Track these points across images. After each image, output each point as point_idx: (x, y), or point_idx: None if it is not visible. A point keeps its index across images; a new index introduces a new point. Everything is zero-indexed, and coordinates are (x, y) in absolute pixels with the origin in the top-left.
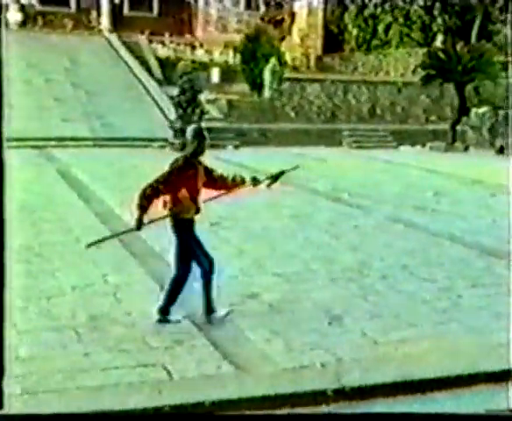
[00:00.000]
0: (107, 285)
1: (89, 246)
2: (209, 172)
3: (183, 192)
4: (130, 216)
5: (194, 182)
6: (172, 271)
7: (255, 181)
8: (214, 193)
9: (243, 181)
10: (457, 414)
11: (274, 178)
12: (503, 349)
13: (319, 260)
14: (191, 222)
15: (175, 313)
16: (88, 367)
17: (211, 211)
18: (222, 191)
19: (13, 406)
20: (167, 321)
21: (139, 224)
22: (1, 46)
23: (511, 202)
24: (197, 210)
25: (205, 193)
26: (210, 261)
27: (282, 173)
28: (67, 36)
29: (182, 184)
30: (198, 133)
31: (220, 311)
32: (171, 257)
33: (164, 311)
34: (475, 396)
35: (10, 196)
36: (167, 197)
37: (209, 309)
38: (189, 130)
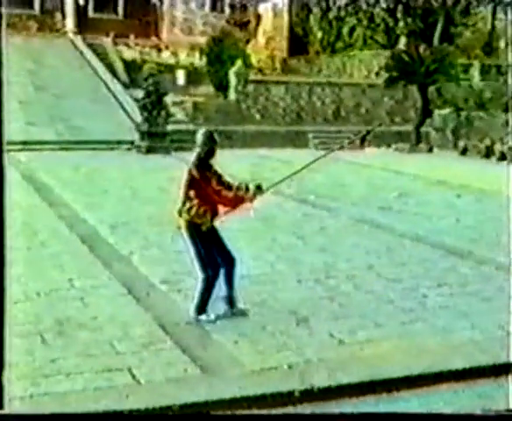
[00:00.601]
0: (73, 289)
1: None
2: (219, 176)
3: (195, 196)
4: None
5: (206, 186)
6: (198, 272)
7: (259, 190)
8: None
9: (247, 189)
10: (457, 414)
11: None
12: (467, 348)
13: (286, 261)
14: (211, 225)
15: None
16: (54, 372)
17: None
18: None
19: None
20: (199, 321)
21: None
22: (1, 49)
23: (511, 209)
24: (214, 213)
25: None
26: (232, 256)
27: (283, 180)
28: (31, 38)
29: (196, 188)
30: (209, 138)
31: (239, 306)
32: (192, 258)
33: (199, 311)
34: (440, 394)
35: None
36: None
37: (231, 302)
38: (200, 134)
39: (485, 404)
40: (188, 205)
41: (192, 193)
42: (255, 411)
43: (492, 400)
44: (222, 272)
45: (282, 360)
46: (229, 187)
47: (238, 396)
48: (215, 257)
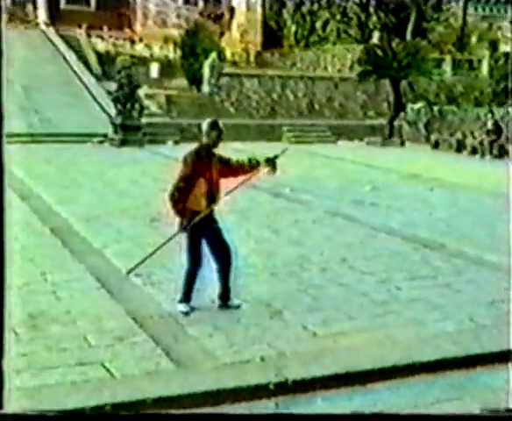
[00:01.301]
0: (46, 283)
1: (130, 272)
2: (224, 162)
3: (199, 184)
4: (172, 219)
5: (209, 174)
6: (183, 262)
7: (270, 163)
8: (233, 183)
9: (258, 164)
10: (457, 414)
11: (272, 162)
12: (439, 339)
13: (259, 254)
14: (210, 214)
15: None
16: (27, 366)
17: (151, 207)
18: (241, 178)
19: None
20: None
21: (185, 227)
22: (1, 46)
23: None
24: (211, 201)
25: (225, 184)
26: (227, 251)
27: (276, 157)
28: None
29: (198, 176)
30: (214, 126)
31: (234, 301)
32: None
33: (180, 300)
34: (413, 386)
35: None
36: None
37: (226, 296)
38: (206, 123)
39: (456, 396)
40: (184, 193)
41: (191, 181)
42: (229, 405)
43: (463, 391)
44: (216, 268)
45: (256, 353)
46: (240, 166)
47: (212, 389)
48: (199, 251)
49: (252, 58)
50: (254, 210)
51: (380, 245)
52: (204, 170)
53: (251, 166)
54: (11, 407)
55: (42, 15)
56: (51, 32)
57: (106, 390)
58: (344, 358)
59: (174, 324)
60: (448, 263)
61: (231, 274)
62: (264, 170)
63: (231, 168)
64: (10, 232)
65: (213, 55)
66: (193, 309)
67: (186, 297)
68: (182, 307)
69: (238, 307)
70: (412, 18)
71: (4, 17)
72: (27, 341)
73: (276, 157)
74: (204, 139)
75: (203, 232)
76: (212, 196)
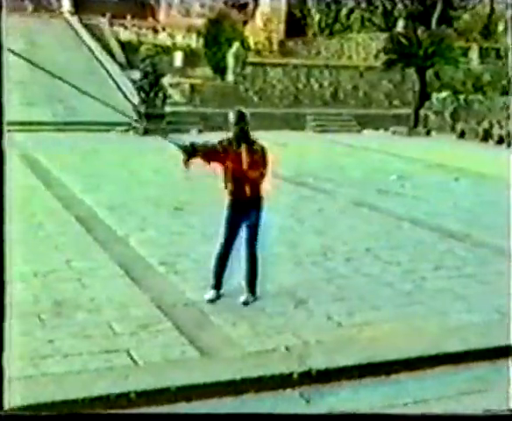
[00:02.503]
0: (71, 270)
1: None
2: (260, 153)
3: (226, 171)
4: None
5: (236, 163)
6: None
7: None
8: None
9: None
10: (457, 414)
11: None
12: (464, 330)
13: (283, 244)
14: (236, 202)
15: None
16: (52, 353)
17: (175, 196)
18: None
19: None
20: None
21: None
22: (1, 37)
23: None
24: (244, 191)
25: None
26: (252, 250)
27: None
28: (26, 18)
29: (226, 163)
30: (241, 116)
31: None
32: None
33: (214, 286)
34: (438, 376)
35: None
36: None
37: (251, 287)
38: (232, 113)
39: (481, 387)
40: (251, 179)
41: (257, 167)
42: (252, 395)
43: (488, 383)
44: (244, 256)
45: (280, 342)
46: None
47: (236, 378)
48: (234, 234)
49: (275, 47)
50: (278, 198)
51: (405, 235)
52: (232, 159)
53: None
54: (25, 394)
55: (66, 4)
56: (75, 21)
57: (130, 378)
58: (368, 348)
59: (198, 312)
60: (473, 254)
61: (258, 264)
62: None
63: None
64: (35, 220)
65: (236, 44)
66: (219, 297)
67: (216, 285)
68: (209, 295)
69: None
70: (438, 6)
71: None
72: (52, 328)
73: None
74: (233, 129)
75: (243, 217)
76: (244, 187)
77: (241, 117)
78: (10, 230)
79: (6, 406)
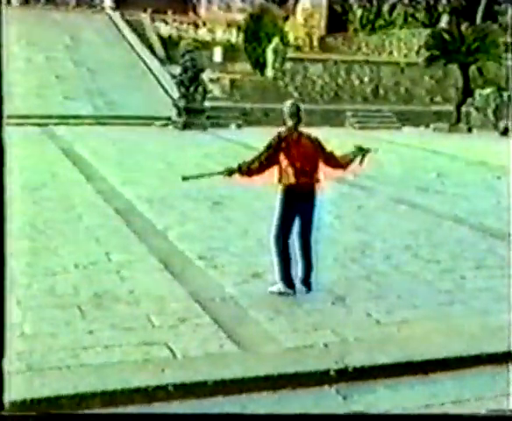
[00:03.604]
0: (110, 263)
1: (185, 179)
2: (322, 145)
3: (283, 161)
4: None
5: (294, 151)
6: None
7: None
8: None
9: (351, 160)
10: (457, 414)
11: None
12: (505, 331)
13: (322, 240)
14: (292, 193)
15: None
16: (92, 344)
17: (214, 190)
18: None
19: (16, 383)
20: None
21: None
22: (1, 28)
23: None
24: (302, 179)
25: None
26: (309, 233)
27: (367, 150)
28: (69, 13)
29: (283, 154)
30: (297, 109)
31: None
32: None
33: (283, 280)
34: (478, 377)
35: (12, 173)
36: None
37: (306, 281)
38: (288, 106)
39: None
40: (305, 170)
41: (310, 159)
42: (289, 390)
43: None
44: (298, 248)
45: (318, 339)
46: (334, 158)
47: (273, 373)
48: (286, 229)
49: (315, 42)
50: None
51: (446, 233)
52: (288, 149)
53: (346, 161)
54: (64, 383)
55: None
56: (116, 16)
57: (168, 371)
58: (407, 346)
59: (237, 307)
60: None
61: (312, 257)
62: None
63: (326, 156)
64: (74, 213)
65: (276, 39)
66: (294, 292)
67: (284, 277)
68: (275, 288)
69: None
70: (483, 1)
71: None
72: (92, 319)
73: (367, 150)
74: (289, 121)
75: (292, 209)
76: (302, 175)
77: (298, 109)
78: (50, 221)
79: (6, 406)
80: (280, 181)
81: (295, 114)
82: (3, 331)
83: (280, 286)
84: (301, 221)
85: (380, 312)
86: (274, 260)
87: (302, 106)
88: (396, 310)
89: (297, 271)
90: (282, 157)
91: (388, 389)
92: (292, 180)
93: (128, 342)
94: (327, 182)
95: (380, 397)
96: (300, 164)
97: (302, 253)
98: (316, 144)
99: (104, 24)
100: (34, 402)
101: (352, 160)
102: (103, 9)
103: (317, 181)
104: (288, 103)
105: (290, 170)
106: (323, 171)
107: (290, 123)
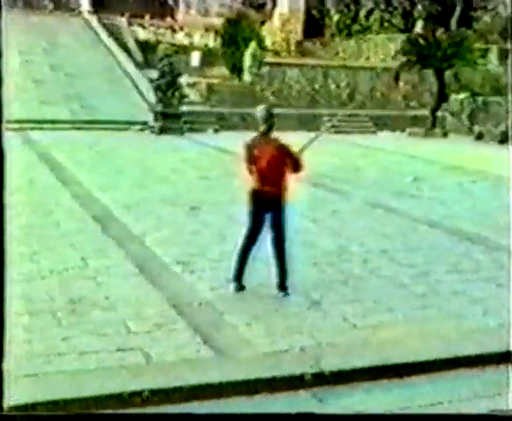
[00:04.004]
0: (86, 269)
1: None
2: (288, 151)
3: (252, 166)
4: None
5: (260, 158)
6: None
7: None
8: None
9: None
10: (457, 414)
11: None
12: (480, 334)
13: (299, 244)
14: (258, 199)
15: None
16: (67, 350)
17: (191, 195)
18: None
19: None
20: (239, 289)
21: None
22: (0, 35)
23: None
24: (266, 186)
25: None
26: (283, 239)
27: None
28: (46, 17)
29: (253, 159)
30: (269, 114)
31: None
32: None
33: (233, 278)
34: (452, 380)
35: None
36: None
37: (282, 286)
38: (260, 110)
39: (496, 391)
40: (267, 177)
41: (274, 165)
42: (266, 394)
43: (503, 386)
44: (271, 254)
45: (295, 343)
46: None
47: (250, 377)
48: (257, 230)
49: (292, 47)
50: (293, 199)
51: (421, 237)
52: (259, 155)
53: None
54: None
55: (85, 3)
56: (93, 20)
57: (145, 376)
58: (382, 350)
59: (213, 312)
60: (490, 257)
61: (286, 263)
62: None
63: (294, 159)
64: (50, 218)
65: (253, 44)
66: (243, 288)
67: (237, 275)
68: (232, 287)
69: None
70: (458, 7)
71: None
72: (68, 326)
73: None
74: (261, 126)
75: (266, 213)
76: (266, 179)
77: (269, 114)
78: (26, 226)
79: (6, 406)
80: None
81: (265, 119)
82: (2, 331)
83: (232, 285)
84: (270, 228)
85: (356, 316)
86: (234, 258)
87: (274, 110)
88: (372, 313)
89: (273, 277)
90: (252, 161)
91: (364, 393)
92: (256, 186)
93: (104, 348)
94: (303, 186)
95: (356, 401)
96: (264, 171)
97: (276, 260)
98: (285, 151)
99: (81, 29)
100: (10, 409)
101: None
102: (80, 13)
103: (283, 188)
104: (260, 107)
105: (255, 176)
106: (297, 177)
107: (261, 128)
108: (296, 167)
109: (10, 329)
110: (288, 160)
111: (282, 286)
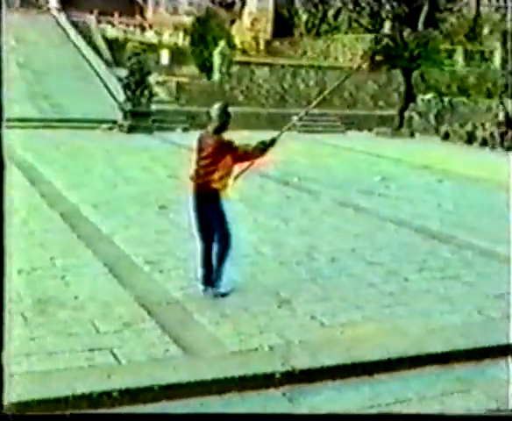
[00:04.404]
0: (54, 268)
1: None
2: (228, 146)
3: (198, 164)
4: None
5: (208, 156)
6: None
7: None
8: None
9: (256, 149)
10: (457, 414)
11: (269, 144)
12: (447, 331)
13: (268, 243)
14: (196, 194)
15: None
16: (35, 351)
17: (160, 194)
18: (248, 163)
19: None
20: (205, 291)
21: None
22: (0, 38)
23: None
24: (198, 184)
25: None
26: (225, 234)
27: (274, 140)
28: (13, 14)
29: (200, 157)
30: (224, 111)
31: (219, 289)
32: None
33: (204, 282)
34: (420, 377)
35: None
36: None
37: (209, 280)
38: (215, 108)
39: (464, 388)
40: (202, 171)
41: (209, 160)
42: (235, 393)
43: (471, 384)
44: (214, 250)
45: (264, 342)
46: (246, 151)
47: (220, 377)
48: (210, 228)
49: (261, 46)
50: (263, 198)
51: (389, 236)
52: (205, 152)
53: (253, 151)
54: (13, 398)
55: (53, 0)
56: (62, 17)
57: (114, 376)
58: (351, 348)
59: (182, 311)
60: (457, 255)
61: (226, 259)
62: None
63: (238, 154)
64: (18, 217)
65: (222, 43)
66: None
67: (207, 278)
68: (211, 290)
69: (224, 295)
70: (425, 8)
71: (17, 1)
72: (36, 326)
73: (273, 141)
74: (215, 123)
75: (211, 210)
76: (204, 174)
77: (225, 113)
78: None
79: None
80: (204, 179)
81: (219, 117)
82: (2, 331)
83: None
84: (215, 223)
85: (324, 315)
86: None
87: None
88: (341, 312)
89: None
90: (198, 159)
91: (334, 391)
92: (195, 179)
93: (72, 348)
94: (273, 185)
95: (325, 399)
96: (203, 165)
97: (216, 254)
98: (225, 146)
99: (50, 26)
100: None
101: (260, 151)
102: (48, 10)
103: (220, 183)
104: (215, 105)
105: (194, 171)
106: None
107: (213, 125)
108: (245, 157)
109: None
110: (230, 155)
111: (209, 280)
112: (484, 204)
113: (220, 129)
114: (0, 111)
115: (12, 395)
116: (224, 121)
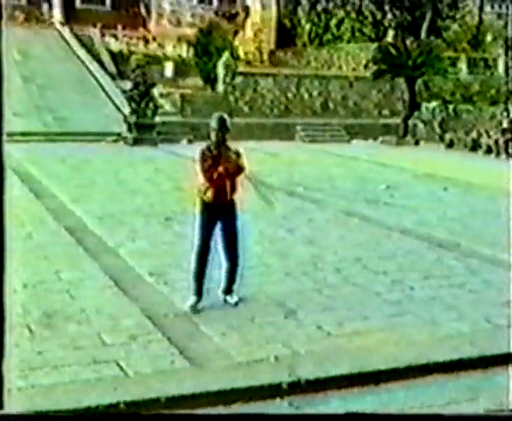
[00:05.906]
0: (60, 282)
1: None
2: (231, 158)
3: (202, 176)
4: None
5: (213, 168)
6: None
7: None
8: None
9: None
10: (457, 414)
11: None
12: (454, 340)
13: (274, 254)
14: (210, 205)
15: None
16: (41, 365)
17: (166, 206)
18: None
19: None
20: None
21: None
22: (1, 46)
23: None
24: (219, 195)
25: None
26: (236, 248)
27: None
28: (17, 28)
29: (204, 169)
30: (223, 122)
31: (233, 297)
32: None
33: (195, 292)
34: (428, 386)
35: None
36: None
37: (229, 290)
38: (214, 119)
39: (472, 396)
40: (199, 184)
41: (202, 173)
42: (242, 405)
43: (479, 392)
44: (224, 262)
45: (270, 353)
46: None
47: (226, 388)
48: (209, 236)
49: (265, 57)
50: (268, 208)
51: (395, 244)
52: (210, 164)
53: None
54: (14, 406)
55: (57, 14)
56: (66, 31)
57: (120, 388)
58: (358, 358)
59: (188, 322)
60: (463, 263)
61: (238, 271)
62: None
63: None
64: (23, 231)
65: (226, 54)
66: (199, 300)
67: (197, 287)
68: (192, 300)
69: (235, 304)
70: (427, 17)
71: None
72: (42, 339)
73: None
74: (213, 134)
75: (219, 221)
76: (218, 191)
77: (223, 122)
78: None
79: (6, 406)
80: (204, 194)
81: (220, 127)
82: (3, 331)
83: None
84: (224, 235)
85: (330, 324)
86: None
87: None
88: (347, 321)
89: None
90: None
91: (340, 400)
92: (211, 194)
93: (79, 361)
94: (279, 196)
95: (332, 408)
96: (219, 177)
97: (228, 266)
98: (236, 159)
99: (54, 40)
100: None
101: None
102: (52, 24)
103: (236, 194)
104: (215, 116)
105: (210, 184)
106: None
107: (214, 137)
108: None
109: None
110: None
111: (229, 289)
112: (489, 212)
113: (223, 140)
114: (0, 122)
115: (18, 408)
116: (224, 132)
